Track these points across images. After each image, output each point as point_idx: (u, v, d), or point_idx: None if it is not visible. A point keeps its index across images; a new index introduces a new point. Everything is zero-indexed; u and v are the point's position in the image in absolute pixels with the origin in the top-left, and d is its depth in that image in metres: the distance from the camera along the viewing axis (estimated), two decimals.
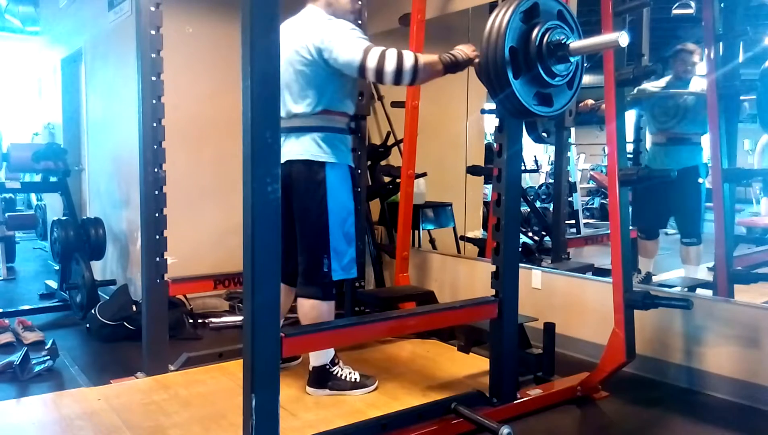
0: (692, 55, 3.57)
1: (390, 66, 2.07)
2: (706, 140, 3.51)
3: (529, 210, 4.81)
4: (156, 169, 2.57)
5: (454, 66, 2.13)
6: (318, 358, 2.42)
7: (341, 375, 2.44)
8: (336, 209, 2.32)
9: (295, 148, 2.32)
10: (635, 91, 3.66)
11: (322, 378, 2.42)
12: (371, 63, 2.09)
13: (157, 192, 2.57)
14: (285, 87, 2.32)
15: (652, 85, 3.67)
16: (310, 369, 2.45)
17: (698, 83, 3.54)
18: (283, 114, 2.35)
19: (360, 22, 3.08)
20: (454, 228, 4.48)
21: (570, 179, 4.74)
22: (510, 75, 1.84)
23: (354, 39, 2.17)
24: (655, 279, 3.71)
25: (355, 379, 2.45)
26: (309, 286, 2.37)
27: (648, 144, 3.88)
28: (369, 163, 4.02)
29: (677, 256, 3.78)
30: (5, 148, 4.59)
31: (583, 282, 3.24)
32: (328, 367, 2.42)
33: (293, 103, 2.31)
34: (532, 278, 3.36)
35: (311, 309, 2.36)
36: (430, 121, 3.91)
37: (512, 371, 2.38)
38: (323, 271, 2.33)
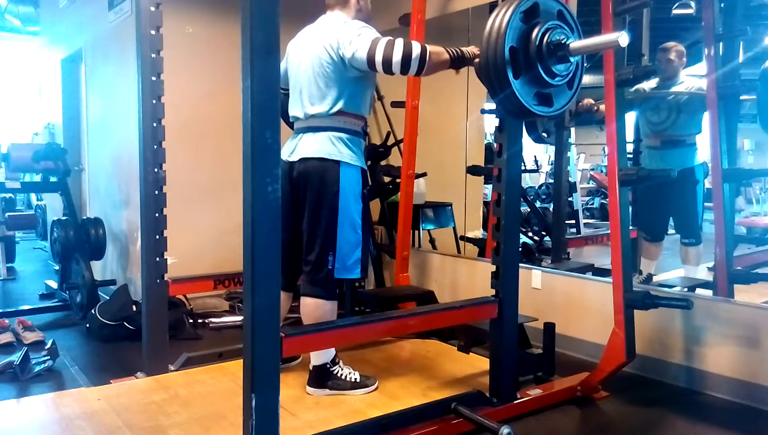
0: (667, 52, 3.50)
1: (397, 55, 2.08)
2: (701, 140, 3.50)
3: (529, 210, 4.81)
4: (156, 169, 2.57)
5: (460, 60, 2.15)
6: (318, 357, 2.42)
7: (341, 375, 2.44)
8: (347, 209, 2.34)
9: (311, 147, 2.34)
10: (632, 90, 3.64)
11: (322, 377, 2.42)
12: (378, 54, 2.11)
13: (157, 192, 2.57)
14: (302, 90, 2.36)
15: (644, 86, 3.66)
16: (311, 368, 2.45)
17: (689, 82, 3.53)
18: (300, 115, 2.39)
19: None
20: (454, 228, 4.48)
21: (570, 179, 4.74)
22: (510, 75, 1.84)
23: (364, 34, 2.20)
24: (655, 279, 3.71)
25: (356, 379, 2.45)
26: (313, 284, 2.37)
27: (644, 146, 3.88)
28: (369, 163, 4.02)
29: (677, 256, 3.77)
30: (5, 148, 4.59)
31: (583, 282, 3.24)
32: (328, 366, 2.42)
33: (310, 105, 2.34)
34: (532, 278, 3.36)
35: (315, 308, 2.36)
36: (430, 121, 3.91)
37: (512, 371, 2.38)
38: (327, 269, 2.34)
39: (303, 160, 2.34)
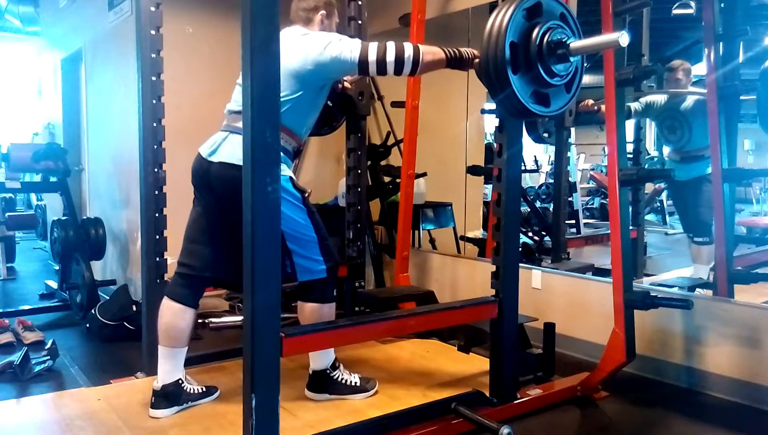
0: (674, 72, 3.63)
1: (390, 55, 2.08)
2: None
3: (529, 210, 4.81)
4: (156, 169, 2.57)
5: (457, 60, 2.14)
6: (318, 362, 2.40)
7: (341, 379, 2.41)
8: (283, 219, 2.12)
9: (236, 153, 2.07)
10: (643, 106, 3.69)
11: (322, 383, 2.40)
12: (372, 55, 2.10)
13: (157, 192, 2.58)
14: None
15: (655, 100, 3.70)
16: (310, 373, 2.43)
17: (695, 95, 3.58)
18: (235, 108, 2.24)
19: (360, 22, 3.08)
20: (454, 228, 4.48)
21: (570, 179, 4.74)
22: (510, 72, 1.84)
23: (347, 39, 2.19)
24: (655, 279, 3.71)
25: (355, 383, 2.43)
26: (303, 289, 2.31)
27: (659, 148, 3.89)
28: (369, 163, 4.02)
29: (677, 256, 3.78)
30: (5, 148, 4.59)
31: (583, 282, 3.24)
32: (328, 371, 2.40)
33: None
34: (532, 278, 3.36)
35: (311, 312, 2.31)
36: (430, 121, 3.91)
37: (512, 371, 2.38)
38: (286, 272, 2.23)
39: (224, 164, 2.15)
